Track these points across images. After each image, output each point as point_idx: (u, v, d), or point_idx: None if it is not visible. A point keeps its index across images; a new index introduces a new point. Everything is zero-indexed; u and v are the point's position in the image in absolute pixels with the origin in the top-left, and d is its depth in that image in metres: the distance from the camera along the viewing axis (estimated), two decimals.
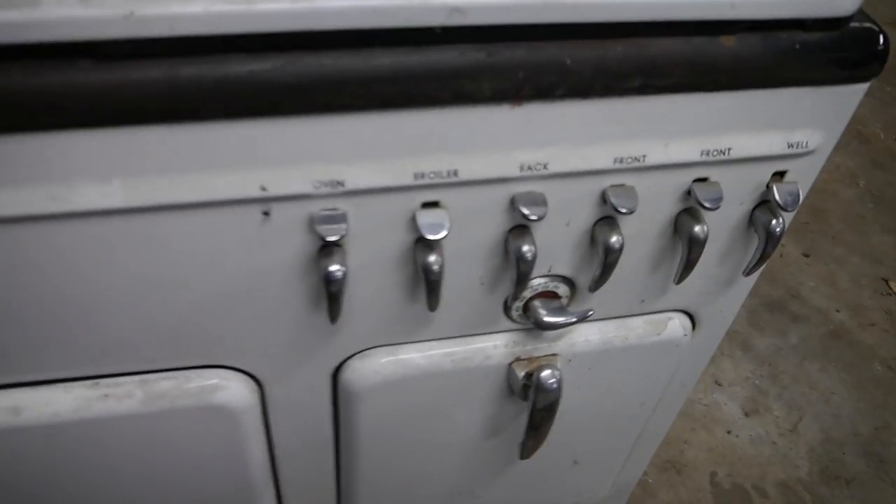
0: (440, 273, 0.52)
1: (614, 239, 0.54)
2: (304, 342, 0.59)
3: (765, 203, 0.58)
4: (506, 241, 0.55)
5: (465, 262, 0.56)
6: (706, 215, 0.56)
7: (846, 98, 0.52)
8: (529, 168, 0.49)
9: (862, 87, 0.52)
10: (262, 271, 0.52)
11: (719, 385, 1.54)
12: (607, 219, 0.55)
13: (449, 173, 0.48)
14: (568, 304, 0.62)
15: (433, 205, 0.50)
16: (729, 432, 1.46)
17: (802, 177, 0.56)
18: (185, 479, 0.68)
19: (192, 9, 0.39)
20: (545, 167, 0.49)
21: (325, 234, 0.48)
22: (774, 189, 0.55)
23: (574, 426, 0.76)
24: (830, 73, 0.50)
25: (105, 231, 0.47)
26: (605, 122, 0.48)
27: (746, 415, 1.50)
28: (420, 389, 0.65)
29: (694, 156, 0.52)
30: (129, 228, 0.47)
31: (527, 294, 0.60)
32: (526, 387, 0.64)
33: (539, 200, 0.51)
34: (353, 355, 0.62)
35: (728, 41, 0.47)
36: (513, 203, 0.51)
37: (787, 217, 0.58)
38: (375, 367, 0.62)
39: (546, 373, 0.63)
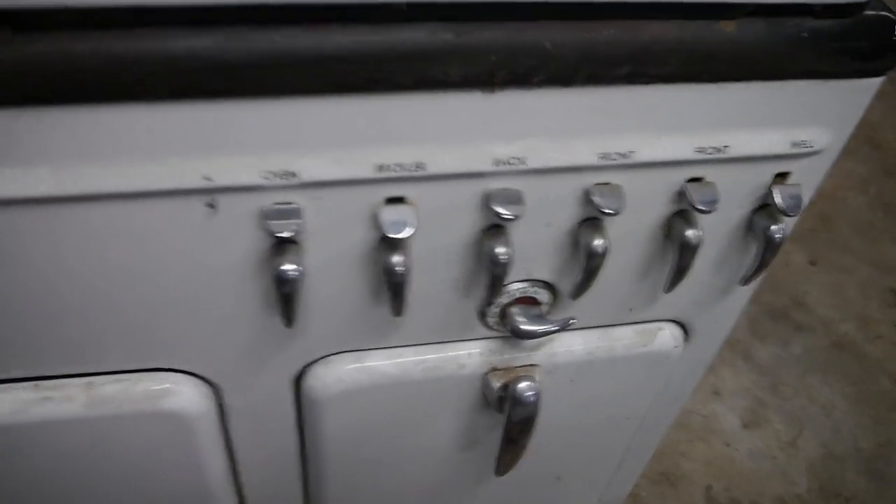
0: (405, 275, 0.47)
1: (598, 242, 0.50)
2: (261, 346, 0.54)
3: (765, 207, 0.53)
4: (479, 242, 0.50)
5: (435, 264, 0.51)
6: (700, 218, 0.51)
7: (857, 94, 0.47)
8: (505, 162, 0.45)
9: (875, 82, 0.47)
10: (211, 269, 0.48)
11: (718, 395, 1.49)
12: (591, 220, 0.50)
13: (414, 166, 0.43)
14: (548, 312, 0.58)
15: (398, 200, 0.46)
16: (727, 445, 1.42)
17: (807, 179, 0.52)
18: (138, 488, 0.64)
19: None
20: (522, 162, 0.45)
21: (277, 229, 0.44)
22: (776, 192, 0.51)
23: (555, 441, 0.72)
24: (841, 65, 0.45)
25: (35, 221, 0.43)
26: (589, 113, 0.44)
27: (746, 427, 1.45)
28: (388, 399, 0.60)
29: (687, 153, 0.47)
30: (61, 219, 0.43)
31: (504, 300, 0.56)
32: (501, 399, 0.60)
33: (515, 198, 0.46)
34: (315, 361, 0.57)
35: (728, 26, 0.42)
36: (487, 201, 0.47)
37: (790, 223, 0.53)
38: (339, 374, 0.57)
39: (523, 384, 0.58)
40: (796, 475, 1.38)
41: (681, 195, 0.50)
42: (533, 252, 0.52)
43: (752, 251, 0.56)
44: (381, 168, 0.43)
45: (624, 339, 0.63)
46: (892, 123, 2.25)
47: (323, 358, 0.57)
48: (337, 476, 0.69)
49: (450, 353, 0.60)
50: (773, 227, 0.52)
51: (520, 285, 0.55)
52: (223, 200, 0.43)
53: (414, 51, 0.39)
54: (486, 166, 0.44)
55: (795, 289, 1.72)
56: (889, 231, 1.92)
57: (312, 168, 0.42)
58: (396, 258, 0.47)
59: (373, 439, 0.65)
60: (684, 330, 0.65)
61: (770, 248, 0.53)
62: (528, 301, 0.56)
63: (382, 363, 0.58)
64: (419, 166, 0.43)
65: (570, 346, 0.62)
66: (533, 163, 0.45)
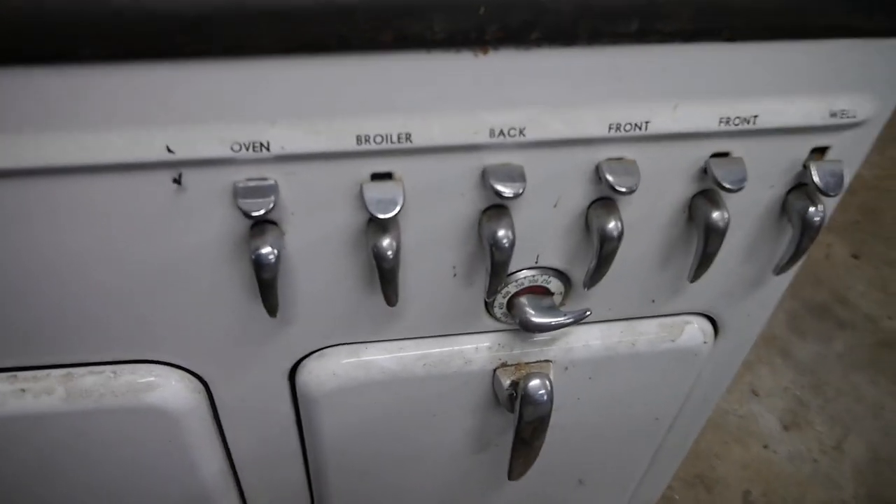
0: (395, 260, 0.43)
1: (612, 225, 0.45)
2: (249, 337, 0.51)
3: (801, 186, 0.47)
4: (480, 225, 0.45)
5: (433, 249, 0.47)
6: (727, 199, 0.46)
7: None
8: (502, 133, 0.40)
9: None
10: (185, 252, 0.44)
11: (756, 395, 1.42)
12: (604, 200, 0.45)
13: (401, 137, 0.39)
14: (562, 303, 0.53)
15: (385, 177, 0.41)
16: (766, 447, 1.35)
17: (848, 155, 0.46)
18: (126, 488, 0.60)
19: None
20: (521, 133, 0.40)
21: (250, 208, 0.39)
22: (813, 169, 0.45)
23: (576, 442, 0.67)
24: (887, 20, 0.39)
25: None
26: (595, 76, 0.39)
27: (785, 428, 1.38)
28: (389, 396, 0.56)
29: (710, 124, 0.42)
30: (20, 195, 0.39)
31: (511, 289, 0.51)
32: (512, 397, 0.55)
33: (516, 175, 0.42)
34: (308, 355, 0.53)
35: None
36: (485, 177, 0.42)
37: (829, 204, 0.47)
38: (334, 368, 0.53)
39: (534, 382, 0.53)
40: (841, 480, 1.30)
41: (704, 172, 0.45)
42: (540, 236, 0.47)
43: (787, 237, 0.51)
44: (362, 139, 0.39)
45: (648, 333, 0.58)
46: None
47: (317, 351, 0.53)
48: (340, 477, 0.65)
49: (455, 348, 0.55)
50: (810, 210, 0.47)
51: (528, 273, 0.50)
52: (190, 175, 0.39)
53: (390, 3, 0.34)
54: (481, 138, 0.40)
55: (837, 283, 1.64)
56: None
57: (285, 139, 0.38)
58: (385, 241, 0.42)
59: (375, 439, 0.61)
60: (714, 324, 0.60)
61: (807, 232, 0.47)
62: (538, 291, 0.52)
63: (381, 357, 0.54)
64: (405, 137, 0.39)
65: (588, 340, 0.57)
66: (534, 134, 0.40)
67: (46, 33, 0.33)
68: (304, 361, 0.54)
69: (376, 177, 0.41)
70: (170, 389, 0.53)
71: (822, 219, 0.47)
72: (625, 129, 0.41)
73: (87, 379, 0.52)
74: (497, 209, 0.44)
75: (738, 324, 0.60)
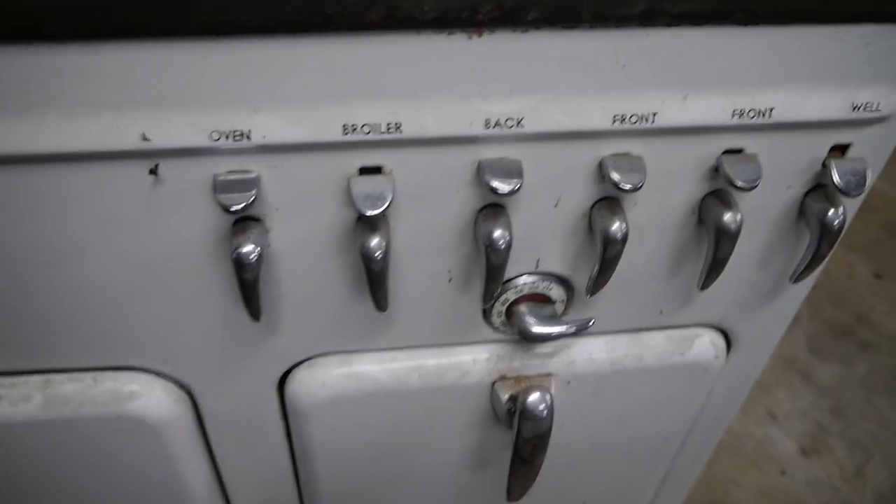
0: (384, 261, 0.40)
1: (616, 226, 0.42)
2: (234, 344, 0.48)
3: (820, 187, 0.44)
4: (475, 225, 0.43)
5: (426, 250, 0.44)
6: (740, 199, 0.43)
7: None
8: (499, 124, 0.37)
9: None
10: (164, 250, 0.42)
11: (774, 418, 1.38)
12: (608, 199, 0.43)
13: (390, 127, 0.37)
14: (563, 312, 0.50)
15: (374, 171, 0.39)
16: (783, 473, 1.30)
17: (872, 153, 0.43)
18: (107, 500, 0.58)
19: None
20: (519, 124, 0.38)
21: (230, 202, 0.37)
22: (833, 167, 0.42)
23: (579, 462, 0.64)
24: None
25: None
26: (598, 63, 0.36)
27: (804, 453, 1.33)
28: (382, 409, 0.53)
29: (723, 117, 0.39)
30: None
31: (510, 296, 0.48)
32: (510, 412, 0.52)
33: (513, 170, 0.39)
34: (298, 364, 0.51)
35: None
36: (479, 172, 0.40)
37: (851, 206, 0.45)
38: (325, 379, 0.51)
39: (534, 396, 0.50)
40: None
41: (716, 170, 0.42)
42: (540, 238, 0.45)
43: (804, 242, 0.48)
44: (350, 129, 0.36)
45: (655, 346, 0.55)
46: None
47: (306, 360, 0.51)
48: (332, 491, 0.62)
49: (451, 359, 0.52)
50: (830, 212, 0.44)
51: (528, 279, 0.47)
52: (167, 166, 0.37)
53: None
54: (476, 128, 0.37)
55: (859, 303, 1.60)
56: None
57: (267, 128, 0.36)
58: (374, 240, 0.40)
59: (368, 454, 0.58)
60: (726, 338, 0.57)
61: (826, 237, 0.44)
62: (538, 298, 0.49)
63: (373, 368, 0.51)
64: (395, 127, 0.37)
65: (592, 353, 0.54)
66: (532, 125, 0.38)
67: (10, 8, 0.31)
68: (294, 371, 0.51)
69: (365, 171, 0.39)
70: (153, 398, 0.50)
71: (843, 222, 0.44)
72: (630, 122, 0.38)
73: (67, 386, 0.49)
74: (493, 208, 0.42)
75: (752, 338, 0.57)
